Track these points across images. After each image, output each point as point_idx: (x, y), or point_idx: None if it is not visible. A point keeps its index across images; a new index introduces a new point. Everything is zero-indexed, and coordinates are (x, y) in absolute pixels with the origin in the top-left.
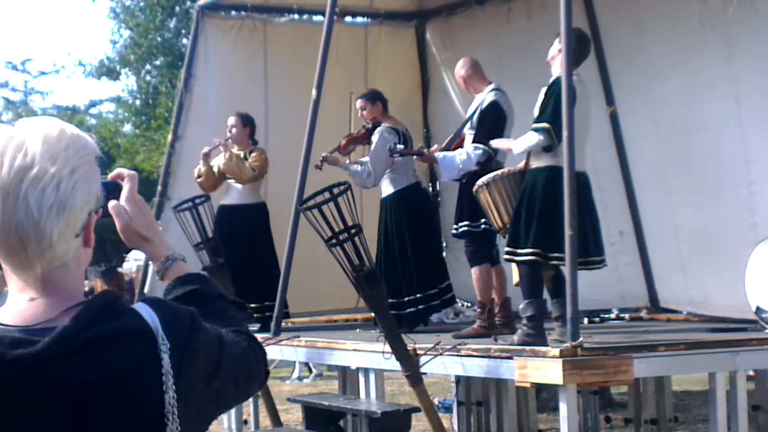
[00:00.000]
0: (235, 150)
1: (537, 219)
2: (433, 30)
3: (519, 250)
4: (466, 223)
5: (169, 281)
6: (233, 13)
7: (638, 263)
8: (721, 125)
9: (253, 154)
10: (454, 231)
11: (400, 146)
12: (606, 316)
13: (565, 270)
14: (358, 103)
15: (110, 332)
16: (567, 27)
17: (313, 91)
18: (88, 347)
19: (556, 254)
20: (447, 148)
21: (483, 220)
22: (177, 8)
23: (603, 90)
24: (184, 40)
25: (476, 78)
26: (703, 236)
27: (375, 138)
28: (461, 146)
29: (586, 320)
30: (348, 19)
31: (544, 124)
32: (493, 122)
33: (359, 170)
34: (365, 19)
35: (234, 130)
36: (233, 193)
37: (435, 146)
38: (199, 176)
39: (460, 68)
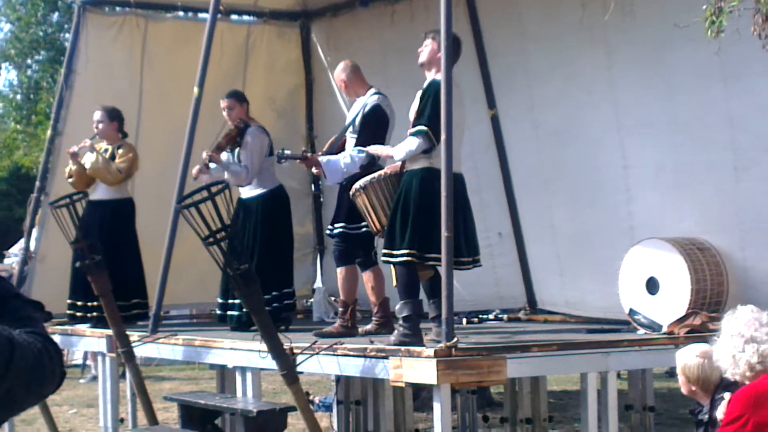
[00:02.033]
0: (103, 145)
1: (412, 220)
2: (318, 30)
3: (395, 252)
4: (341, 224)
5: None
6: (117, 9)
7: (517, 264)
8: (600, 130)
9: (120, 151)
10: (329, 231)
11: (288, 151)
12: (484, 316)
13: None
14: (225, 102)
15: None
16: (447, 29)
17: (195, 89)
18: None
19: (432, 254)
20: (330, 152)
21: (364, 224)
22: (59, 2)
23: (484, 93)
24: (67, 35)
25: (356, 82)
26: (581, 239)
27: (249, 137)
28: (344, 149)
29: (464, 321)
30: (234, 17)
31: (423, 128)
32: (375, 126)
33: (238, 169)
34: (250, 17)
35: (101, 126)
36: (100, 189)
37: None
38: (70, 176)
39: (341, 72)
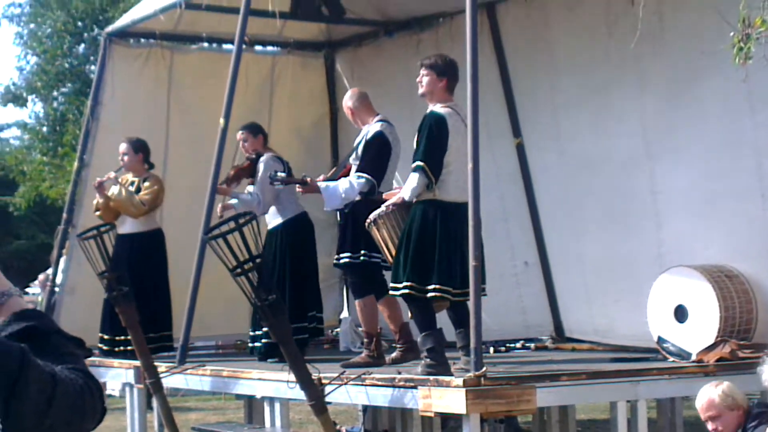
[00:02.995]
0: (130, 177)
1: (412, 253)
2: (343, 60)
3: (398, 285)
4: (347, 254)
5: (4, 317)
6: (141, 41)
7: (543, 293)
8: (630, 158)
9: (146, 183)
10: (335, 261)
11: (281, 174)
12: (512, 345)
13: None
14: (240, 134)
15: None
16: (473, 59)
17: (221, 120)
18: None
19: (432, 286)
20: (332, 178)
21: (363, 252)
22: (85, 35)
23: (509, 121)
24: (93, 67)
25: (363, 109)
26: (609, 266)
27: (261, 167)
28: (347, 176)
29: (492, 350)
30: (258, 48)
31: (419, 163)
32: (376, 152)
33: (249, 198)
34: (275, 48)
35: (126, 158)
36: (128, 221)
37: (320, 177)
38: (97, 209)
39: (348, 99)
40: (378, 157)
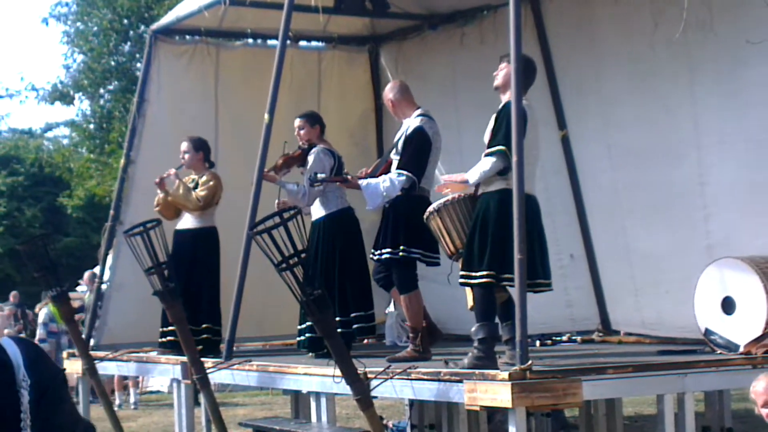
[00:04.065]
0: (191, 175)
1: (491, 242)
2: (387, 54)
3: (474, 274)
4: (387, 250)
5: None
6: (187, 37)
7: (589, 286)
8: (677, 149)
9: (203, 179)
10: (376, 257)
11: (321, 175)
12: (558, 338)
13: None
14: (297, 122)
15: None
16: (517, 52)
17: (266, 116)
18: None
19: (508, 275)
20: (373, 174)
21: (402, 247)
22: (131, 32)
23: (555, 114)
24: (139, 65)
25: (404, 102)
26: (656, 258)
27: (311, 158)
28: (388, 171)
29: (538, 343)
30: (302, 43)
31: (501, 147)
32: (416, 148)
33: (295, 189)
34: (319, 43)
35: (187, 156)
36: (186, 218)
37: (361, 171)
38: (157, 204)
39: (389, 92)
40: (418, 153)
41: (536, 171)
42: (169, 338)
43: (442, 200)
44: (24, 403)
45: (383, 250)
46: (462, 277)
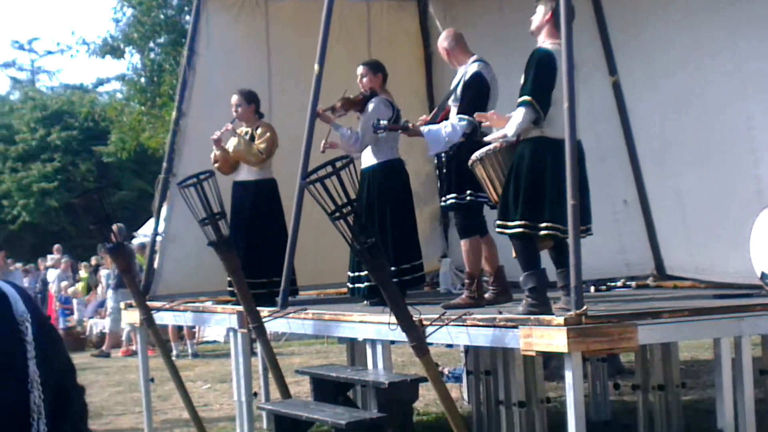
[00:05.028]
0: (243, 128)
1: (524, 191)
2: (435, 3)
3: (509, 223)
4: (452, 195)
5: None
6: None
7: (643, 231)
8: (725, 94)
9: (258, 131)
10: (442, 203)
11: (384, 122)
12: (612, 284)
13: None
14: (360, 69)
15: None
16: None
17: (315, 67)
18: None
19: (544, 224)
20: (432, 122)
21: (468, 192)
22: None
23: (605, 59)
24: (188, 18)
25: (459, 50)
26: (708, 204)
27: (370, 106)
28: (446, 119)
29: (592, 289)
30: None
31: (526, 98)
32: (475, 93)
33: (348, 133)
34: None
35: (239, 109)
36: (243, 170)
37: (421, 119)
38: (215, 161)
39: (443, 40)
40: (478, 97)
41: (580, 116)
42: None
43: (485, 149)
44: (28, 335)
45: (448, 196)
46: (498, 226)
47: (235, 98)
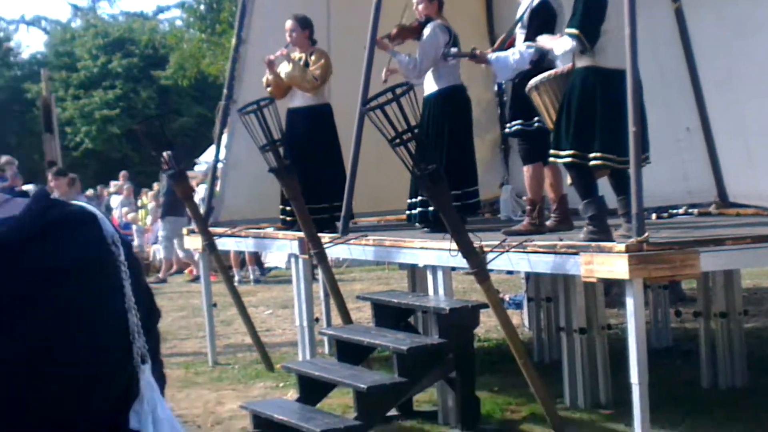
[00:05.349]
0: (296, 54)
1: (574, 121)
2: None
3: (560, 152)
4: (519, 122)
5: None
6: None
7: (706, 158)
8: None
9: (312, 57)
10: (507, 130)
11: (454, 49)
12: (674, 211)
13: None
14: None
15: (65, 215)
16: None
17: None
18: (48, 231)
19: (593, 154)
20: (500, 49)
21: (536, 119)
22: None
23: None
24: None
25: None
26: None
27: (426, 32)
28: (513, 46)
29: (654, 216)
30: None
31: (573, 30)
32: (543, 20)
33: (406, 60)
34: None
35: (294, 35)
36: (298, 96)
37: (490, 48)
38: (267, 85)
39: None
40: (545, 25)
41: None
42: (288, 217)
43: (540, 76)
44: (121, 255)
45: (514, 122)
46: (551, 155)
47: (289, 23)
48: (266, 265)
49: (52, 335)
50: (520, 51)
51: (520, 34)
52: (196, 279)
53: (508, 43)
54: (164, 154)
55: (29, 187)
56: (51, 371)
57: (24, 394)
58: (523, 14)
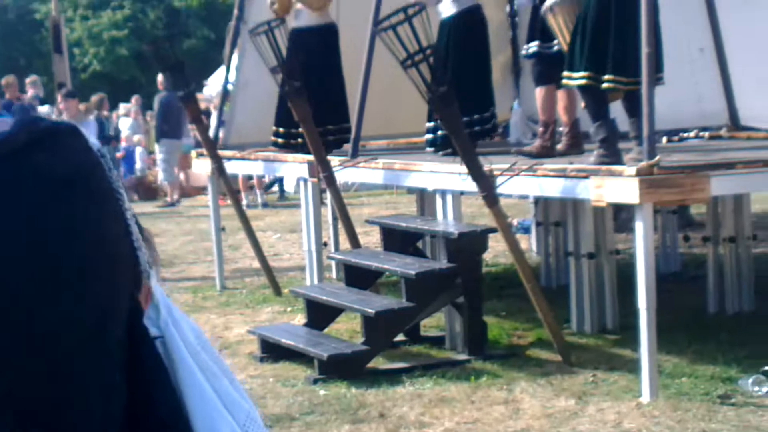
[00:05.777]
0: None
1: (589, 41)
2: None
3: (574, 74)
4: (536, 43)
5: None
6: None
7: (719, 80)
8: None
9: None
10: (524, 52)
11: None
12: (685, 135)
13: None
14: None
15: (57, 126)
16: None
17: None
18: (44, 138)
19: (607, 76)
20: None
21: (556, 42)
22: None
23: None
24: None
25: None
26: None
27: None
28: None
29: (664, 140)
30: None
31: None
32: None
33: None
34: None
35: None
36: (303, 16)
37: None
38: (272, 2)
39: None
40: None
41: None
42: (280, 139)
43: None
44: (109, 163)
45: (531, 44)
46: (564, 77)
47: None
48: (274, 190)
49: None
50: None
51: None
52: (171, 204)
53: None
54: (159, 76)
55: (44, 109)
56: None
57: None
58: None
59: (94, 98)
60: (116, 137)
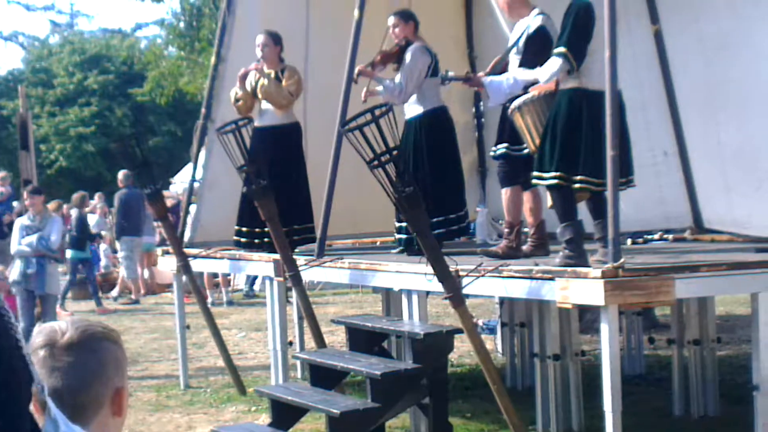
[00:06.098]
0: (266, 69)
1: (560, 143)
2: None
3: (544, 174)
4: (504, 145)
5: None
6: None
7: (682, 183)
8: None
9: (286, 73)
10: (492, 153)
11: (451, 73)
12: (649, 237)
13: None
14: (391, 20)
15: None
16: None
17: (355, 12)
18: None
19: (579, 177)
20: (493, 73)
21: (525, 145)
22: None
23: (647, 8)
24: None
25: (519, 2)
26: (748, 156)
27: (408, 56)
28: (506, 71)
29: (629, 241)
30: None
31: (561, 49)
32: (539, 47)
33: (391, 86)
34: None
35: (266, 49)
36: (267, 115)
37: (482, 72)
38: (237, 100)
39: None
40: (541, 51)
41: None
42: (243, 239)
43: (523, 97)
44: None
45: (500, 145)
46: (534, 177)
47: (262, 38)
48: (239, 287)
49: None
50: (514, 76)
51: (515, 59)
52: (135, 301)
53: (502, 67)
54: (120, 173)
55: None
56: None
57: None
58: (519, 39)
59: (75, 196)
60: (99, 234)
